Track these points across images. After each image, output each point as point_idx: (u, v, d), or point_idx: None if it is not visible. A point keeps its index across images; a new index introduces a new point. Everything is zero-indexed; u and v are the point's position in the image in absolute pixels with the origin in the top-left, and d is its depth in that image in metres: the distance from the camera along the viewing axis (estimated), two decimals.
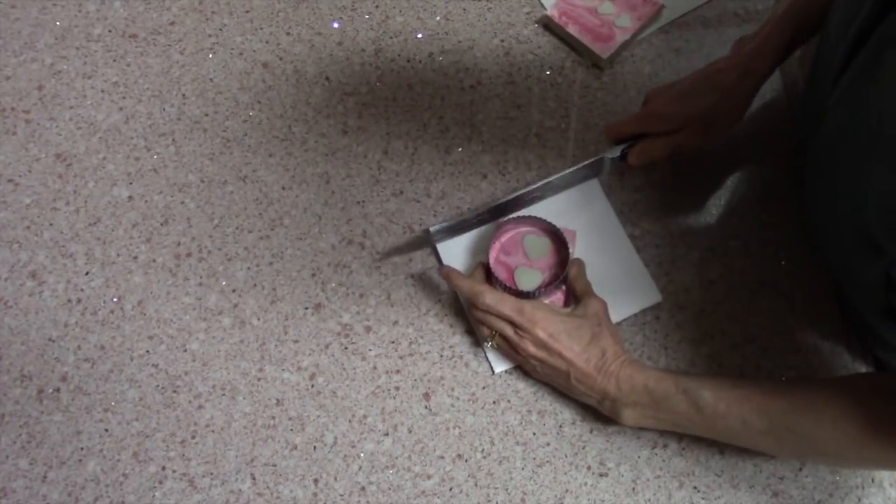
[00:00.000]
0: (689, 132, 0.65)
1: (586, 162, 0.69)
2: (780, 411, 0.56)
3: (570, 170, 0.70)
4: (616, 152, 0.68)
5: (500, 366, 0.67)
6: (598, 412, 0.66)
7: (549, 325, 0.62)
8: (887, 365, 0.67)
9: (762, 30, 0.65)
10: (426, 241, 0.71)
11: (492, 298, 0.63)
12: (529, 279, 0.68)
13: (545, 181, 0.70)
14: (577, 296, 0.67)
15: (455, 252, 0.71)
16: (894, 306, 0.55)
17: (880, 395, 0.53)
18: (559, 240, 0.69)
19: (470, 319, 0.69)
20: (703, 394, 0.58)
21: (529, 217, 0.69)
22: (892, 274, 0.52)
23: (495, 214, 0.70)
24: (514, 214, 0.70)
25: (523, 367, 0.66)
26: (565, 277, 0.67)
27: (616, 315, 0.68)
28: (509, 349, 0.65)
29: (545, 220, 0.68)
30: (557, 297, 0.69)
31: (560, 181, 0.70)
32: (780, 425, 0.55)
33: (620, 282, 0.70)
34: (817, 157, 0.61)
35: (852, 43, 0.54)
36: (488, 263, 0.67)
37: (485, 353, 0.68)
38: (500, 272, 0.68)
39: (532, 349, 0.62)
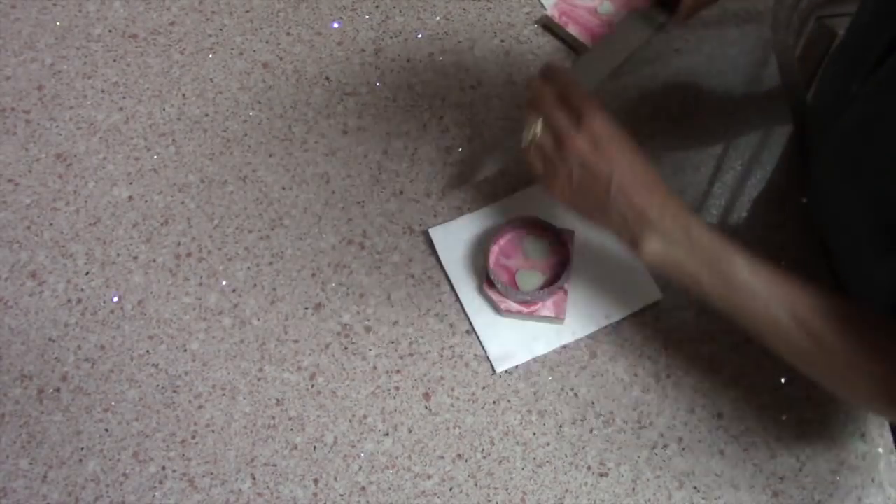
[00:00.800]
0: None
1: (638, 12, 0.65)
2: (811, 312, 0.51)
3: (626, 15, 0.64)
4: None
5: (502, 365, 0.67)
6: (598, 410, 0.66)
7: (609, 126, 0.55)
8: None
9: None
10: (493, 153, 0.65)
11: (565, 72, 0.56)
12: (530, 280, 0.68)
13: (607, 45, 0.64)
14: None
15: (453, 243, 0.71)
16: None
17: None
18: (558, 239, 0.69)
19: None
20: (735, 261, 0.52)
21: (528, 217, 0.69)
22: None
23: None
24: (514, 215, 0.70)
25: (550, 184, 0.59)
26: (566, 278, 0.67)
27: (616, 314, 0.69)
28: (549, 150, 0.57)
29: (543, 220, 0.68)
30: (559, 296, 0.69)
31: (621, 40, 0.65)
32: (810, 330, 0.51)
33: (620, 280, 0.70)
34: (835, 147, 0.60)
35: (889, 43, 0.53)
36: (488, 266, 0.67)
37: (485, 351, 0.68)
38: (500, 275, 0.68)
39: (580, 143, 0.55)
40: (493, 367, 0.67)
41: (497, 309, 0.68)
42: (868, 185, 0.55)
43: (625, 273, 0.70)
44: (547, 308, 0.68)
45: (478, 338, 0.68)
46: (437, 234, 0.72)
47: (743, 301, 0.53)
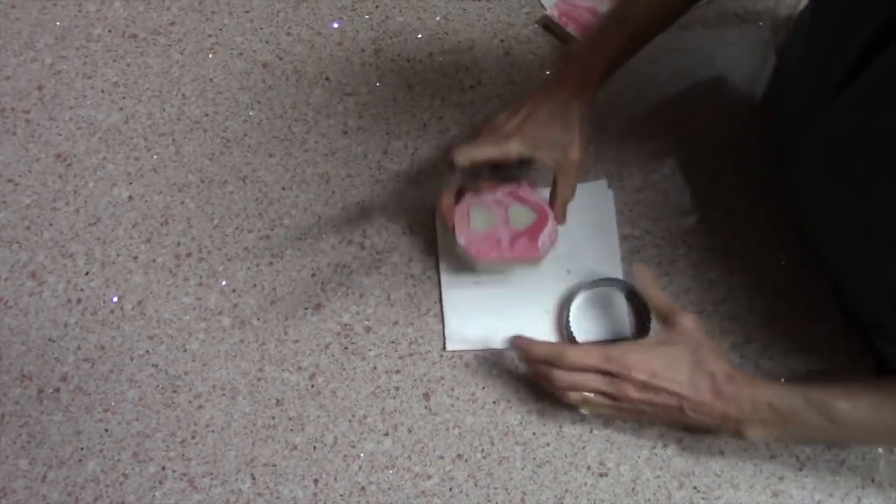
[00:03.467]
0: (562, 169, 0.64)
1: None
2: None
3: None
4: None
5: (454, 345, 0.68)
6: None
7: (645, 365, 0.58)
8: (890, 360, 0.66)
9: (592, 38, 0.65)
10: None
11: (575, 354, 0.59)
12: (523, 218, 0.67)
13: None
14: (661, 314, 0.63)
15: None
16: None
17: None
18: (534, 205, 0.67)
19: (549, 388, 0.62)
20: (835, 404, 0.56)
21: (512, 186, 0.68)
22: None
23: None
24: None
25: (628, 416, 0.64)
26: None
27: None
28: (610, 403, 0.60)
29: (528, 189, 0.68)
30: (542, 230, 0.66)
31: None
32: None
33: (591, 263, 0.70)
34: (817, 162, 0.61)
35: (859, 54, 0.53)
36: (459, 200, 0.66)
37: (443, 325, 0.68)
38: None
39: (635, 394, 0.58)
40: (444, 343, 0.68)
41: (473, 258, 0.66)
42: (857, 201, 0.56)
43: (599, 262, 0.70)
44: (525, 246, 0.66)
45: (441, 312, 0.68)
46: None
47: (860, 433, 0.57)
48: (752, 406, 0.57)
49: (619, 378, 0.58)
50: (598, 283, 0.69)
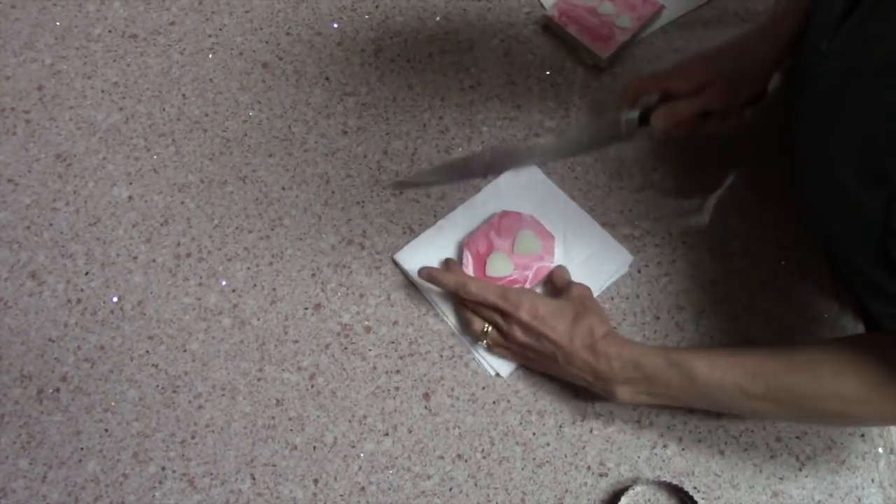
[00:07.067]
0: (712, 92, 0.66)
1: (604, 118, 0.69)
2: (776, 373, 0.56)
3: (586, 124, 0.69)
4: (634, 114, 0.68)
5: (506, 369, 0.67)
6: (598, 410, 0.66)
7: (532, 308, 0.62)
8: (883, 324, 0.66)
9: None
10: (459, 173, 0.71)
11: (476, 286, 0.64)
12: (501, 266, 0.69)
13: (562, 137, 0.69)
14: (558, 288, 0.68)
15: (424, 261, 0.70)
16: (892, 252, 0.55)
17: (879, 351, 0.53)
18: (548, 249, 0.69)
19: (459, 322, 0.69)
20: (694, 364, 0.58)
21: (532, 217, 0.69)
22: (893, 208, 0.51)
23: (495, 162, 0.70)
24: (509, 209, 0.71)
25: (519, 360, 0.67)
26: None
27: (595, 288, 0.69)
28: (502, 342, 0.65)
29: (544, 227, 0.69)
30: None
31: (577, 136, 0.70)
32: (777, 387, 0.55)
33: (590, 255, 0.70)
34: (814, 104, 0.61)
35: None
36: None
37: (479, 356, 0.68)
38: (480, 245, 0.69)
39: (520, 335, 0.62)
40: (499, 374, 0.67)
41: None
42: (847, 134, 0.55)
43: (593, 248, 0.71)
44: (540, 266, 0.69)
45: (475, 353, 0.68)
46: (403, 257, 0.71)
47: (718, 394, 0.58)
48: (619, 364, 0.59)
49: (508, 316, 0.63)
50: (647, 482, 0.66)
